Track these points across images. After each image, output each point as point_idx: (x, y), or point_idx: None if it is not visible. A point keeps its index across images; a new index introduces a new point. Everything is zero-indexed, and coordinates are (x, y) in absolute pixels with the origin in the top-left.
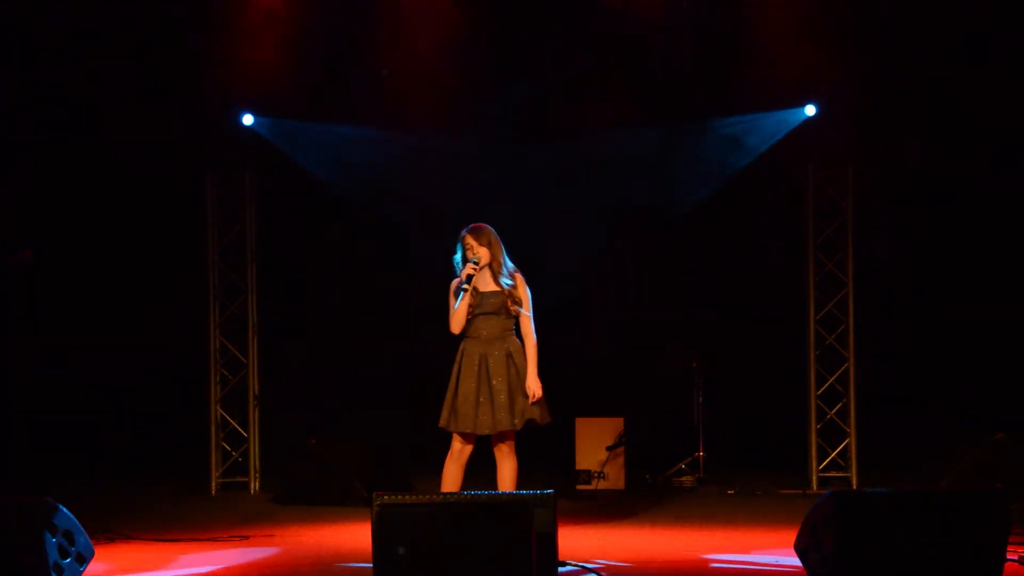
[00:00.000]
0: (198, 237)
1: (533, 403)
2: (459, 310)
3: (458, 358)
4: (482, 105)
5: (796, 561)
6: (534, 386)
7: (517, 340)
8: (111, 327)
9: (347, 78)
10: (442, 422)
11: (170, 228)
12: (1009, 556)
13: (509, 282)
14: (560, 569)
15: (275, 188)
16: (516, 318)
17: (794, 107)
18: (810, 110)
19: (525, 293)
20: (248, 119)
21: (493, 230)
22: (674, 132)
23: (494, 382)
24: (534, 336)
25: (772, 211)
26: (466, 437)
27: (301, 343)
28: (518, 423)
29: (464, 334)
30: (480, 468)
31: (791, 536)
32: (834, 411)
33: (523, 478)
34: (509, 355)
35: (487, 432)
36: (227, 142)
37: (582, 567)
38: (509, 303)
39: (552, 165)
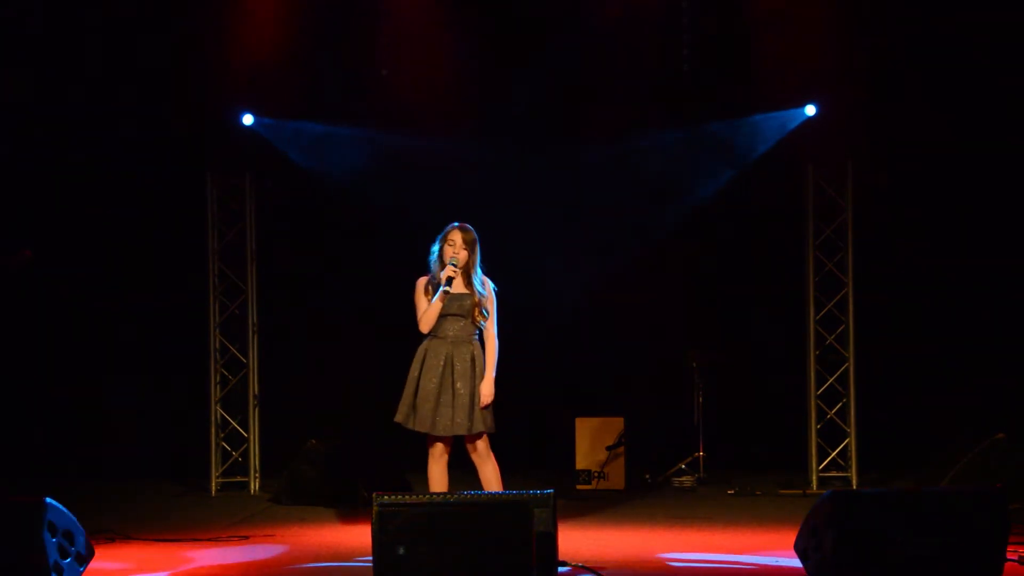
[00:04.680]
0: (198, 237)
1: (483, 409)
2: (432, 310)
3: (420, 356)
4: (482, 107)
5: (796, 562)
6: (488, 391)
7: (480, 345)
8: (111, 327)
9: (347, 78)
10: (400, 417)
11: (170, 228)
12: (1009, 556)
13: (482, 290)
14: (560, 569)
15: (275, 188)
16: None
17: (794, 107)
18: (810, 110)
19: (493, 303)
20: (248, 119)
21: (476, 234)
22: (674, 133)
23: (458, 385)
24: (496, 342)
25: (772, 211)
26: (441, 438)
27: (301, 343)
28: (474, 428)
29: (429, 333)
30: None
31: (791, 536)
32: (834, 411)
33: (523, 479)
34: (473, 360)
35: (443, 434)
36: (227, 142)
37: (582, 567)
38: (477, 311)
39: (551, 167)
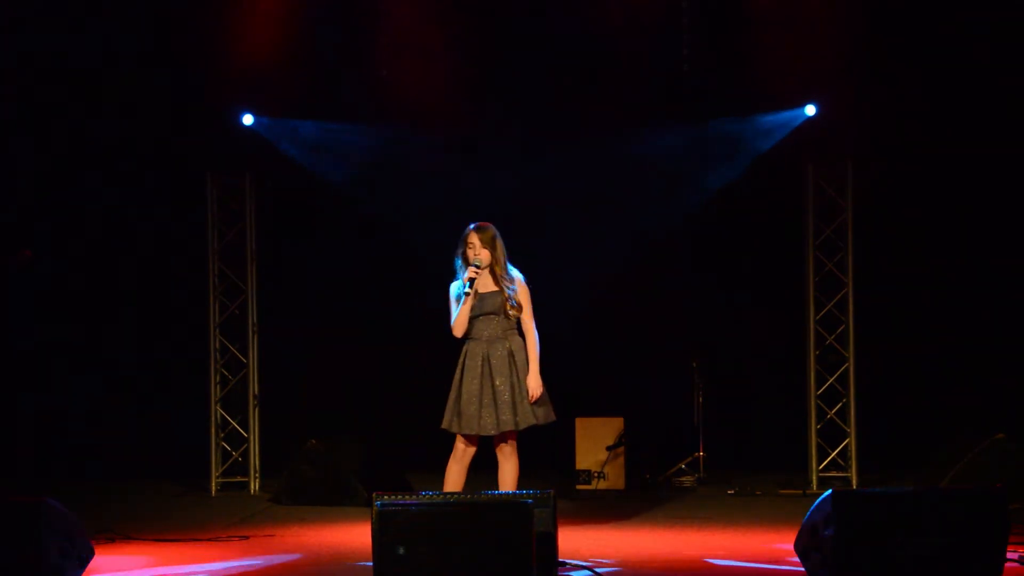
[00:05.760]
0: (198, 237)
1: (535, 403)
2: (461, 314)
3: (461, 360)
4: (483, 106)
5: (796, 562)
6: (534, 384)
7: (519, 339)
8: (111, 326)
9: (346, 78)
10: (445, 423)
11: (170, 228)
12: (1009, 556)
13: (512, 287)
14: (560, 570)
15: (275, 188)
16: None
17: (794, 107)
18: (810, 110)
19: (526, 294)
20: (248, 119)
21: (496, 230)
22: (674, 133)
23: (497, 382)
24: (536, 334)
25: (772, 211)
26: (470, 438)
27: (301, 343)
28: (521, 423)
29: (466, 336)
30: (480, 468)
31: (791, 536)
32: (834, 411)
33: (523, 478)
34: (511, 354)
35: (491, 433)
36: (227, 142)
37: (582, 567)
38: (508, 306)
39: (552, 167)
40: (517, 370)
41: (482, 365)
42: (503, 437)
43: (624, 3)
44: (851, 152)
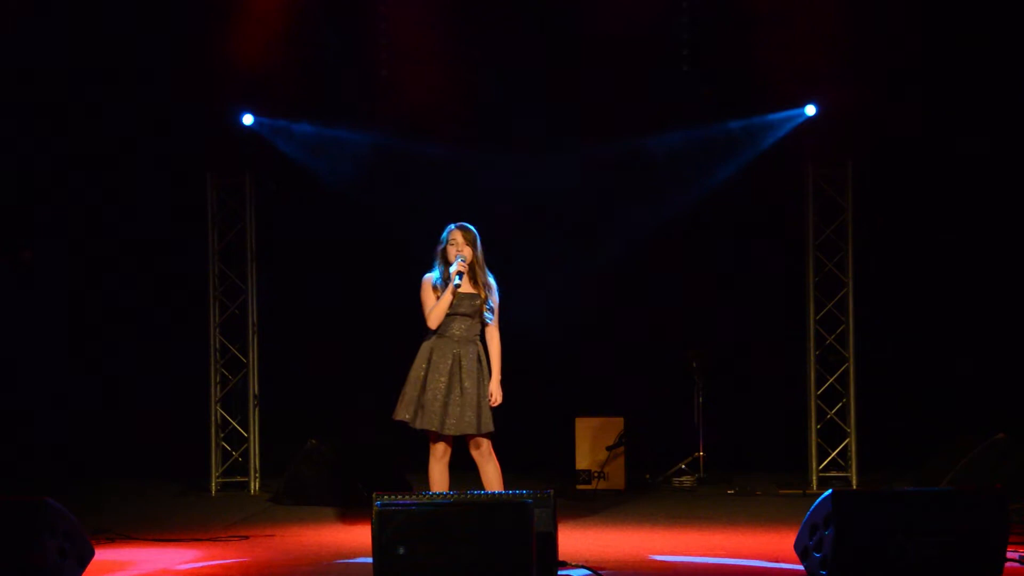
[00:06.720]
0: (198, 237)
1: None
2: (442, 306)
3: (425, 354)
4: (483, 107)
5: (796, 562)
6: (498, 391)
7: (483, 345)
8: (111, 326)
9: (346, 79)
10: (406, 416)
11: (170, 228)
12: (1009, 556)
13: (490, 290)
14: (560, 569)
15: (275, 188)
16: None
17: (794, 107)
18: (810, 110)
19: (496, 300)
20: (248, 119)
21: (476, 233)
22: (674, 134)
23: (466, 384)
24: (499, 341)
25: (772, 211)
26: (439, 436)
27: (301, 343)
28: (483, 428)
29: (434, 332)
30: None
31: (791, 536)
32: (834, 411)
33: (523, 478)
34: (480, 359)
35: (452, 433)
36: (227, 142)
37: (582, 567)
38: (484, 308)
39: (551, 167)
40: (484, 376)
41: (452, 364)
42: (476, 439)
43: (624, 3)
44: (851, 152)
